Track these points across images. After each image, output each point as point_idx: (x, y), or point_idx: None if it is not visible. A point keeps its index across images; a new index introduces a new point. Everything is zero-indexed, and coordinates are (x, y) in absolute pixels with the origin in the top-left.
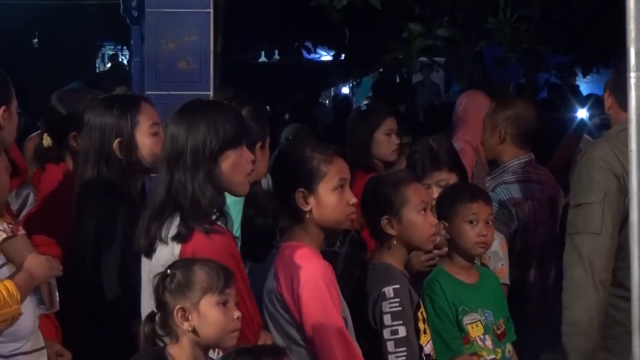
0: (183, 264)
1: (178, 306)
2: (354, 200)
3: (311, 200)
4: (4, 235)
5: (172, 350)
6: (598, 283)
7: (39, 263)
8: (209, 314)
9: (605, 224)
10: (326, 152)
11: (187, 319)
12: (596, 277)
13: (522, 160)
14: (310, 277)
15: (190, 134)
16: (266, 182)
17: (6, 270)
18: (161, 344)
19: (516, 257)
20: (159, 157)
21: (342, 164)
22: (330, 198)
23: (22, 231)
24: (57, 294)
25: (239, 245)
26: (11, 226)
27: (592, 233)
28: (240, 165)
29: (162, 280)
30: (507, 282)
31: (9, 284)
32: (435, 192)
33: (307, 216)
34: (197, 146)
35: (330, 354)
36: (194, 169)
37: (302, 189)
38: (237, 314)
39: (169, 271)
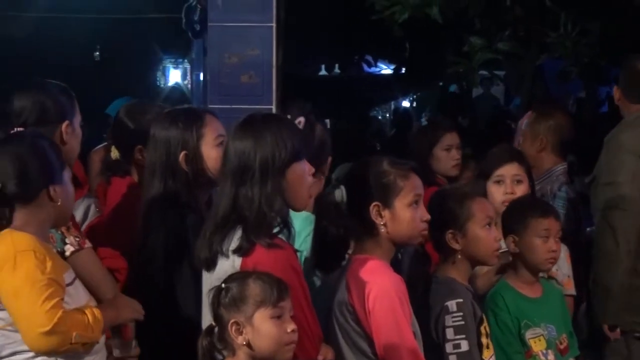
0: (238, 277)
1: (232, 320)
2: (427, 217)
3: (386, 214)
4: (72, 249)
5: None
6: (627, 253)
7: (128, 303)
8: (262, 328)
9: (634, 200)
10: (403, 168)
11: (241, 333)
12: (625, 247)
13: (563, 167)
14: (383, 290)
15: (258, 148)
16: (340, 194)
17: (78, 284)
18: (220, 357)
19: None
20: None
21: (418, 180)
22: (405, 213)
23: (88, 244)
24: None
25: (303, 257)
26: (78, 239)
27: (621, 209)
28: (304, 178)
29: (217, 295)
30: (574, 292)
31: (97, 312)
32: (509, 188)
33: (381, 230)
34: (266, 159)
35: None
36: (262, 182)
37: (377, 203)
38: (291, 327)
39: (223, 285)
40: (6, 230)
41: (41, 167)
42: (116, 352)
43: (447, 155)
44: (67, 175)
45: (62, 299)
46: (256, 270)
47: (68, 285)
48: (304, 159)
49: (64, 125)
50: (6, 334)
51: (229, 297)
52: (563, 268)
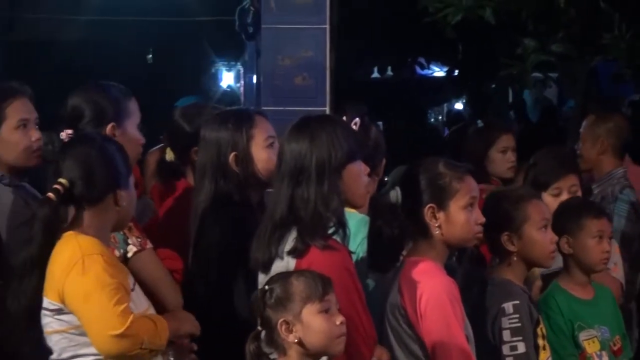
0: (279, 277)
1: (281, 320)
2: (482, 219)
3: (440, 216)
4: (135, 249)
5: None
6: None
7: (188, 317)
8: (312, 323)
9: None
10: (459, 170)
11: (291, 331)
12: None
13: (623, 170)
14: (435, 293)
15: (314, 149)
16: (395, 195)
17: (139, 290)
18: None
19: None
20: (275, 171)
21: (473, 182)
22: (460, 216)
23: (150, 245)
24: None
25: (357, 258)
26: (140, 240)
27: None
28: (360, 177)
29: (262, 297)
30: (621, 279)
31: (163, 320)
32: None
33: (436, 232)
34: (323, 160)
35: None
36: (318, 182)
37: (432, 205)
38: (340, 319)
39: (267, 287)
40: (70, 233)
41: (109, 170)
42: None
43: (502, 158)
44: (131, 179)
45: (129, 305)
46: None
47: (131, 290)
48: (359, 160)
49: (108, 127)
50: (69, 336)
51: (274, 297)
52: (613, 257)
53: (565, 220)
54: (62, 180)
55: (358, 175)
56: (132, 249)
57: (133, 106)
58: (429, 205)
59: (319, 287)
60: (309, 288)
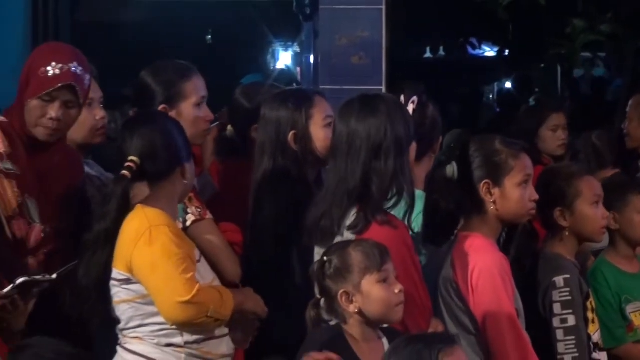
0: (338, 248)
1: (341, 290)
2: (535, 196)
3: (495, 192)
4: (193, 218)
5: (346, 328)
6: None
7: (255, 296)
8: (372, 293)
9: None
10: (514, 147)
11: (351, 302)
12: None
13: None
14: (486, 268)
15: (390, 125)
16: (451, 170)
17: (204, 262)
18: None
19: None
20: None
21: (528, 160)
22: (514, 192)
23: (209, 215)
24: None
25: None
26: (199, 210)
27: None
28: (413, 157)
29: (321, 267)
30: None
31: (229, 294)
32: None
33: (490, 208)
34: (400, 136)
35: (501, 344)
36: (397, 156)
37: (487, 181)
38: (398, 287)
39: (325, 258)
40: (138, 206)
41: (174, 146)
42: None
43: (553, 136)
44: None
45: (195, 274)
46: None
47: (197, 262)
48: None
49: (159, 108)
50: (136, 306)
51: (333, 268)
52: None
53: (611, 197)
54: (133, 158)
55: (413, 157)
56: (190, 218)
57: (190, 87)
58: (484, 181)
59: (377, 257)
60: (368, 259)
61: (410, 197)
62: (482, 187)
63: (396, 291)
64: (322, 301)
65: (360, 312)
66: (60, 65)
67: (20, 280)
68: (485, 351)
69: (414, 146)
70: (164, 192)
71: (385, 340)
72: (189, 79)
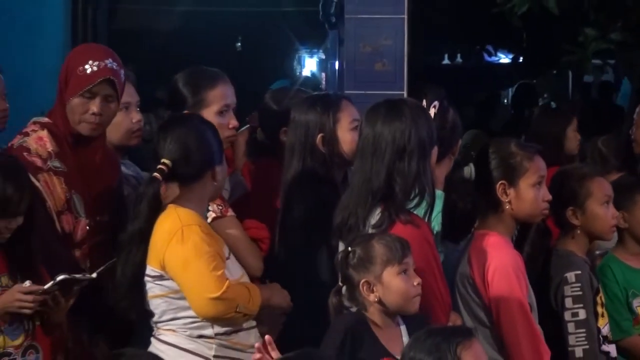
0: (362, 240)
1: (363, 280)
2: (549, 197)
3: (511, 192)
4: (214, 215)
5: (367, 314)
6: None
7: (281, 292)
8: (392, 285)
9: None
10: (529, 150)
11: (372, 291)
12: None
13: None
14: (502, 265)
15: (414, 129)
16: (468, 171)
17: (233, 259)
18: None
19: None
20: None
21: (542, 162)
22: (529, 193)
23: (231, 213)
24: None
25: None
26: (220, 208)
27: None
28: (434, 160)
29: (345, 257)
30: None
31: (257, 290)
32: None
33: (506, 207)
34: (423, 140)
35: (514, 336)
36: (419, 159)
37: (503, 182)
38: (417, 280)
39: (350, 248)
40: (171, 206)
41: (206, 149)
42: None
43: (575, 136)
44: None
45: (224, 271)
46: None
47: (226, 259)
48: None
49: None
50: (169, 300)
51: (356, 258)
52: None
53: (620, 197)
54: (165, 160)
55: (434, 161)
56: (211, 215)
57: (213, 95)
58: (500, 182)
59: (398, 250)
60: (390, 251)
61: (431, 197)
62: (499, 188)
63: (415, 283)
64: (344, 289)
65: (380, 302)
66: (97, 62)
67: (60, 277)
68: (500, 343)
69: (435, 149)
70: (194, 193)
71: (403, 328)
72: (213, 87)
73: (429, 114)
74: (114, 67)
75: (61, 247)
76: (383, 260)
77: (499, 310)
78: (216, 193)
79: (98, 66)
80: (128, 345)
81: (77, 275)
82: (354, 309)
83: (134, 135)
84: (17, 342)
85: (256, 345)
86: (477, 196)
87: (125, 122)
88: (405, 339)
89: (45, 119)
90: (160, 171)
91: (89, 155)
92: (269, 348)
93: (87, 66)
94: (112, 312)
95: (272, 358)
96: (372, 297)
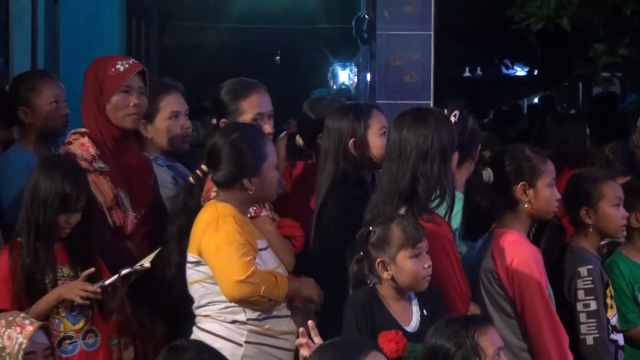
0: (383, 221)
1: (379, 259)
2: (559, 196)
3: (530, 193)
4: (248, 216)
5: (380, 289)
6: None
7: (313, 285)
8: (405, 266)
9: None
10: (542, 154)
11: (386, 270)
12: None
13: None
14: (524, 259)
15: (437, 135)
16: (487, 175)
17: (270, 252)
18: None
19: None
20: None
21: (552, 165)
22: (545, 192)
23: (264, 213)
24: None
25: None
26: (255, 209)
27: None
28: (455, 164)
29: (367, 235)
30: None
31: (284, 277)
32: None
33: (525, 206)
34: (445, 145)
35: (537, 324)
36: (441, 163)
37: (524, 183)
38: (427, 263)
39: (371, 228)
40: (212, 201)
41: (239, 161)
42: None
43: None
44: (267, 164)
45: (254, 259)
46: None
47: (261, 250)
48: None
49: (218, 120)
50: (206, 285)
51: (375, 237)
52: None
53: (633, 199)
54: (202, 166)
55: (455, 164)
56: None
57: (247, 104)
58: (521, 183)
59: (413, 235)
60: (405, 236)
61: (451, 199)
62: (519, 189)
63: (425, 266)
64: (365, 261)
65: (393, 279)
66: (125, 61)
67: (124, 271)
68: (523, 332)
69: (456, 155)
70: (229, 196)
71: (415, 302)
72: (247, 97)
73: (451, 122)
74: (139, 62)
75: (116, 239)
76: (399, 243)
77: (523, 300)
78: (257, 199)
79: (127, 63)
80: (178, 324)
81: (136, 267)
82: (369, 280)
83: (182, 141)
84: (78, 326)
85: (300, 330)
86: (495, 197)
87: (173, 129)
88: (416, 314)
89: (83, 129)
90: (195, 176)
91: (126, 156)
92: (312, 333)
93: (118, 66)
94: (166, 295)
95: (315, 343)
96: (385, 275)
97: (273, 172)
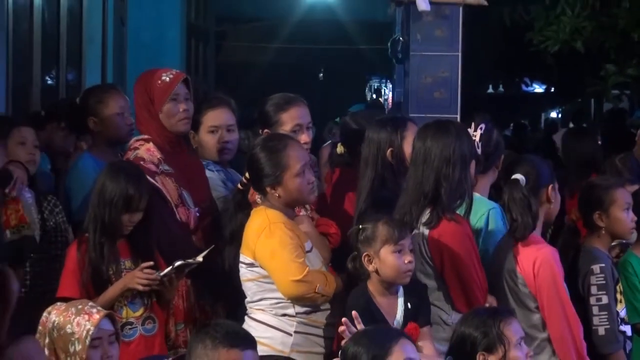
0: (372, 220)
1: (364, 254)
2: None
3: (552, 195)
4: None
5: (369, 284)
6: None
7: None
8: (387, 259)
9: None
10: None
11: (371, 263)
12: None
13: None
14: (546, 259)
15: (458, 143)
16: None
17: (315, 252)
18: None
19: None
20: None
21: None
22: (557, 199)
23: (303, 213)
24: None
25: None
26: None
27: None
28: (473, 171)
29: (357, 233)
30: None
31: (332, 276)
32: None
33: (545, 212)
34: (465, 153)
35: (558, 317)
36: (462, 168)
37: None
38: (408, 258)
39: (361, 226)
40: (261, 207)
41: (261, 171)
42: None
43: None
44: (289, 174)
45: (305, 260)
46: (439, 238)
47: (307, 252)
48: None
49: (262, 131)
50: (259, 283)
51: (363, 235)
52: None
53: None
54: (246, 174)
55: (474, 168)
56: None
57: (287, 116)
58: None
59: (396, 233)
60: (389, 233)
61: (469, 200)
62: (547, 192)
63: (406, 261)
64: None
65: (377, 272)
66: (168, 72)
67: (177, 263)
68: (544, 324)
69: (473, 162)
70: (270, 201)
71: (400, 299)
72: (287, 110)
73: (469, 133)
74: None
75: (182, 233)
76: (382, 239)
77: (544, 296)
78: (291, 203)
79: (172, 74)
80: (235, 312)
81: (189, 260)
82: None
83: (223, 152)
84: (138, 313)
85: (343, 319)
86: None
87: (213, 142)
88: (401, 307)
89: (146, 136)
90: (242, 182)
91: (182, 158)
92: (356, 322)
93: (163, 77)
94: (224, 287)
95: (356, 329)
96: (370, 268)
97: (298, 180)
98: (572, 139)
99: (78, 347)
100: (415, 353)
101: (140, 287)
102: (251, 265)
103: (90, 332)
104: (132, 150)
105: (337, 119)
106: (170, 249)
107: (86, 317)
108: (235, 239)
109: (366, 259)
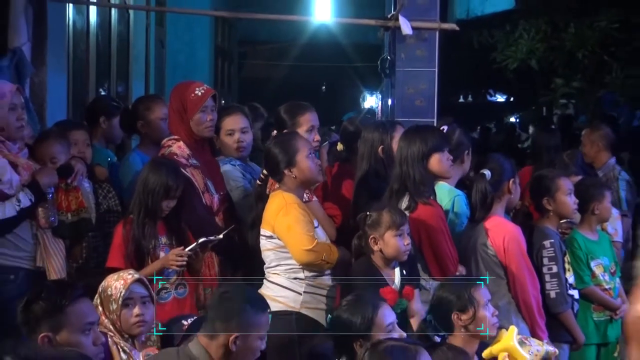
0: (377, 208)
1: (371, 236)
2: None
3: (512, 187)
4: (303, 200)
5: (373, 258)
6: None
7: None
8: (390, 242)
9: None
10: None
11: (376, 244)
12: None
13: (613, 159)
14: (513, 235)
15: (412, 143)
16: (487, 174)
17: (321, 229)
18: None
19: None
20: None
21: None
22: (517, 191)
23: (315, 199)
24: None
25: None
26: (308, 195)
27: None
28: (442, 162)
29: (364, 218)
30: (621, 240)
31: (335, 247)
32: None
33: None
34: (424, 150)
35: (523, 281)
36: (418, 164)
37: (510, 181)
38: (407, 241)
39: (368, 212)
40: (278, 191)
41: (274, 160)
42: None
43: None
44: (300, 155)
45: (314, 234)
46: (419, 219)
47: (315, 227)
48: (444, 151)
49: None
50: (276, 252)
51: (371, 220)
52: (613, 224)
53: (592, 193)
54: (264, 171)
55: (440, 160)
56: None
57: (303, 119)
58: (507, 181)
59: (398, 220)
60: (392, 220)
61: (430, 189)
62: (508, 185)
63: (405, 243)
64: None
65: (380, 251)
66: (200, 87)
67: (201, 240)
68: (509, 289)
69: (436, 156)
70: (284, 186)
71: (397, 270)
72: (303, 114)
73: (431, 132)
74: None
75: (208, 216)
76: (387, 225)
77: (514, 267)
78: (305, 183)
79: (203, 89)
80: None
81: (211, 237)
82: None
83: (237, 151)
84: (172, 280)
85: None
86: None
87: (230, 143)
88: (397, 277)
89: (176, 136)
90: (260, 178)
91: (205, 155)
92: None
93: (196, 91)
94: (244, 260)
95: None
96: (375, 248)
97: (309, 160)
98: (547, 136)
99: (114, 307)
100: (394, 317)
101: (175, 267)
102: (270, 237)
103: (122, 294)
104: (165, 147)
105: (332, 127)
106: (198, 228)
107: (121, 281)
108: (256, 225)
109: (372, 240)
